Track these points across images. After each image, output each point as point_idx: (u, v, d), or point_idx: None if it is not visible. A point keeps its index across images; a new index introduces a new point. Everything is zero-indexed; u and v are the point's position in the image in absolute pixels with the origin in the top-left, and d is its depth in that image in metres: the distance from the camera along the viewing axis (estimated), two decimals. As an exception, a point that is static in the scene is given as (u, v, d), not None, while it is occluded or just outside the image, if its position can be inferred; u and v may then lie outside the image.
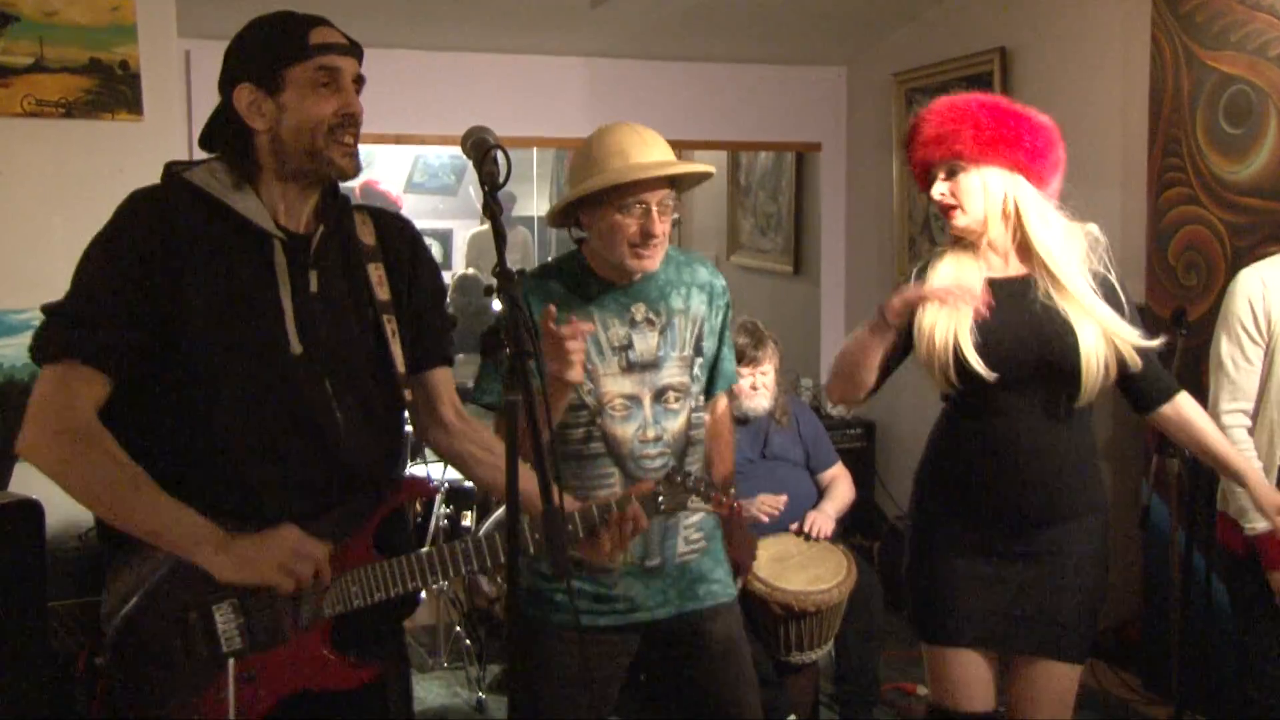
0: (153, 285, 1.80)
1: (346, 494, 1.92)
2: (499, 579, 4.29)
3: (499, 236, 1.70)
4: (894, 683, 4.14)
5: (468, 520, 4.81)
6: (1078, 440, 2.46)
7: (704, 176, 2.49)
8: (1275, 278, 2.87)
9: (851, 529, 4.62)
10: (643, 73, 5.54)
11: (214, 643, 1.82)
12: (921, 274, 2.51)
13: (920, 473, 2.62)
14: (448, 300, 2.24)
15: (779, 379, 3.88)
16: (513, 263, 1.74)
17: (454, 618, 4.50)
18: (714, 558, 2.54)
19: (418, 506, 4.66)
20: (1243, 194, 3.62)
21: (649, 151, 2.35)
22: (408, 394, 2.02)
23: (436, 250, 8.28)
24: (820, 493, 3.91)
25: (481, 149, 1.76)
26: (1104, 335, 2.37)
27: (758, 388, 3.79)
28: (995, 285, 2.43)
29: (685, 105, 5.54)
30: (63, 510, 2.88)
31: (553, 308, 2.18)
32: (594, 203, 2.36)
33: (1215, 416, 2.87)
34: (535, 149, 7.06)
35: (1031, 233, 2.41)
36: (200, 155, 1.96)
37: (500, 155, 1.74)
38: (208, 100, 1.92)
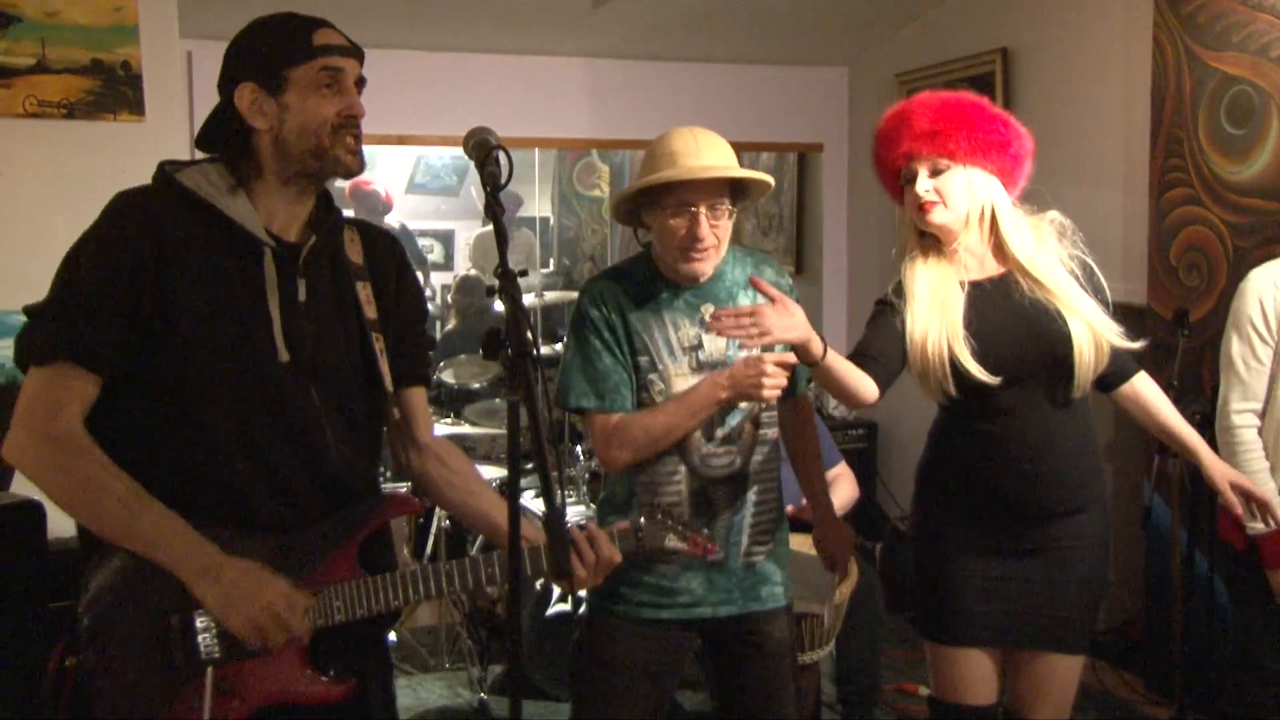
0: (142, 285, 1.77)
1: (333, 504, 1.90)
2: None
3: (501, 237, 1.70)
4: (895, 683, 4.14)
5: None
6: (1081, 431, 2.47)
7: (762, 185, 2.44)
8: None
9: (853, 529, 4.60)
10: (644, 73, 5.54)
11: (192, 650, 1.79)
12: (899, 291, 2.49)
13: (922, 472, 2.62)
14: (434, 310, 2.23)
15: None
16: (516, 264, 1.73)
17: (456, 619, 4.50)
18: (778, 561, 2.54)
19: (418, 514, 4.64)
20: (1244, 194, 3.62)
21: (702, 155, 2.35)
22: (396, 412, 2.02)
23: (438, 251, 8.29)
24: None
25: (483, 150, 1.76)
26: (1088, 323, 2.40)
27: (759, 388, 3.77)
28: (977, 287, 2.44)
29: (687, 106, 5.51)
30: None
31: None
32: (652, 205, 2.37)
33: (1225, 416, 2.88)
34: (537, 150, 7.03)
35: (1007, 235, 2.44)
36: (200, 156, 1.95)
37: (502, 156, 1.74)
38: (210, 101, 1.91)
